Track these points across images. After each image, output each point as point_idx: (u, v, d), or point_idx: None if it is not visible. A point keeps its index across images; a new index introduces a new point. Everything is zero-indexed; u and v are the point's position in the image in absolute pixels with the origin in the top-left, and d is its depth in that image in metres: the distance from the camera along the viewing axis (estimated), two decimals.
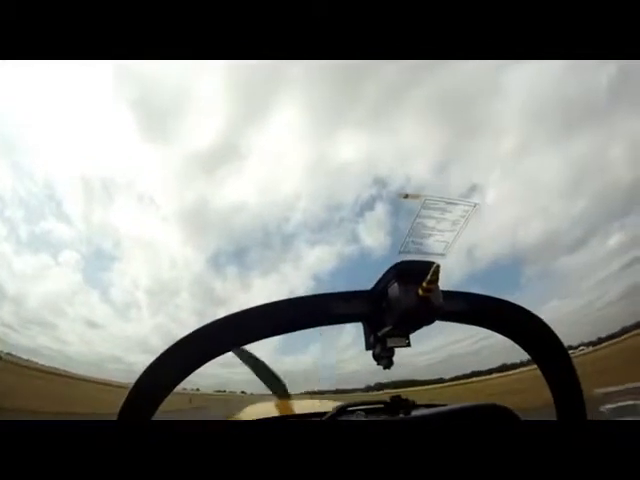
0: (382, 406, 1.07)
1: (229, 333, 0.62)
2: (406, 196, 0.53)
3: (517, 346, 0.80)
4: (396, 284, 0.58)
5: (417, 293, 0.56)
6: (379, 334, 0.64)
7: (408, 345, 0.65)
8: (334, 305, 0.62)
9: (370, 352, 0.68)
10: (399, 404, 1.04)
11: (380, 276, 0.61)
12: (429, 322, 0.63)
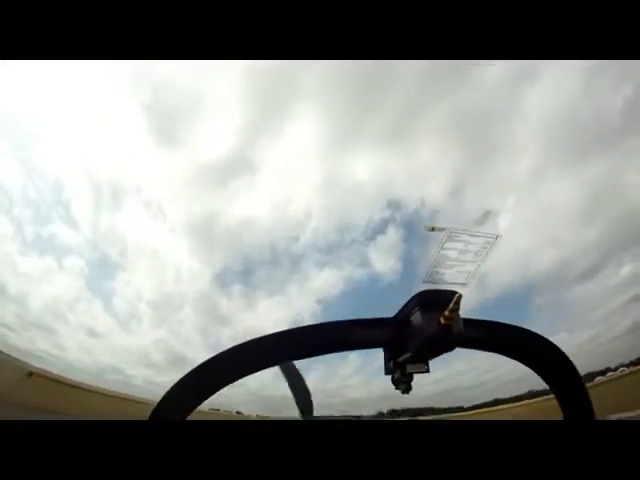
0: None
1: (255, 356, 0.64)
2: (432, 229, 0.55)
3: (535, 375, 0.81)
4: (419, 312, 0.60)
5: (439, 321, 0.58)
6: (399, 360, 0.66)
7: (427, 371, 0.67)
8: (359, 331, 0.64)
9: (377, 378, 0.70)
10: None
11: (403, 304, 0.63)
12: (450, 349, 0.65)
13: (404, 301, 0.64)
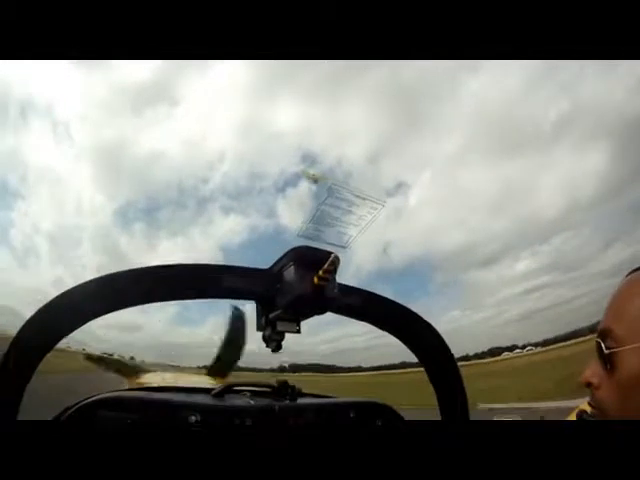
0: (269, 390, 1.07)
1: (119, 291, 0.59)
2: (312, 176, 0.51)
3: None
4: (293, 267, 0.57)
5: (312, 280, 0.56)
6: (270, 316, 0.63)
7: (298, 332, 0.65)
8: (229, 278, 0.61)
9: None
10: (286, 390, 1.05)
11: (279, 257, 0.60)
12: (321, 312, 0.63)
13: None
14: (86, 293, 0.58)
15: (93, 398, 0.85)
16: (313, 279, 0.56)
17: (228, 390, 1.03)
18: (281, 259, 0.60)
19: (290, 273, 0.58)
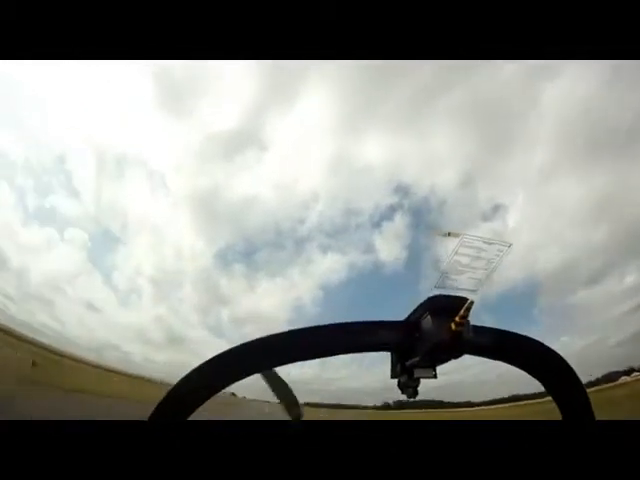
0: None
1: (266, 353, 0.64)
2: (448, 234, 0.55)
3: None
4: (430, 317, 0.60)
5: (450, 327, 0.58)
6: (407, 364, 0.65)
7: (435, 377, 0.66)
8: (369, 334, 0.64)
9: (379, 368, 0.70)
10: None
11: (414, 308, 0.63)
12: (458, 356, 0.65)
13: (407, 292, 0.64)
14: (238, 354, 0.62)
15: None
16: (450, 326, 0.58)
17: None
18: (417, 310, 0.63)
19: (428, 322, 0.60)
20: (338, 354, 0.66)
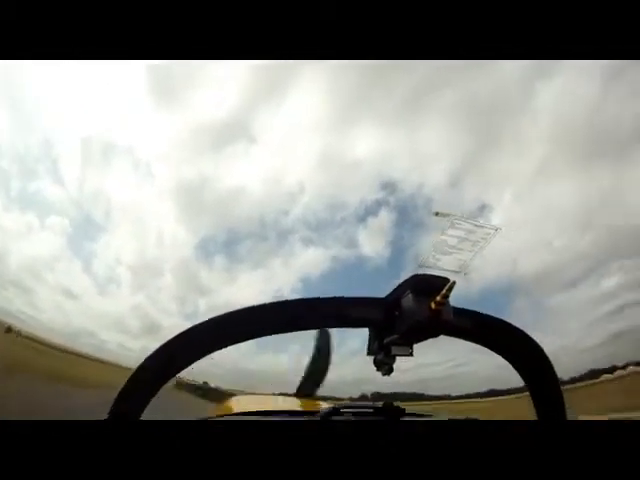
0: (372, 410, 1.09)
1: (240, 326, 0.63)
2: (437, 214, 0.55)
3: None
4: (411, 295, 0.60)
5: (430, 306, 0.58)
6: (385, 341, 0.66)
7: (411, 355, 0.67)
8: (350, 309, 0.64)
9: (352, 360, 0.70)
10: (390, 410, 1.06)
11: (395, 285, 0.63)
12: (436, 335, 0.66)
13: (390, 287, 0.64)
14: (203, 331, 0.62)
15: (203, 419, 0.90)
16: (430, 305, 0.58)
17: (332, 413, 1.04)
18: (399, 287, 0.63)
19: (408, 300, 0.61)
20: (318, 327, 0.67)
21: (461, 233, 0.58)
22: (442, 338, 0.75)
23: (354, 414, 1.06)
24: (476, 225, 0.58)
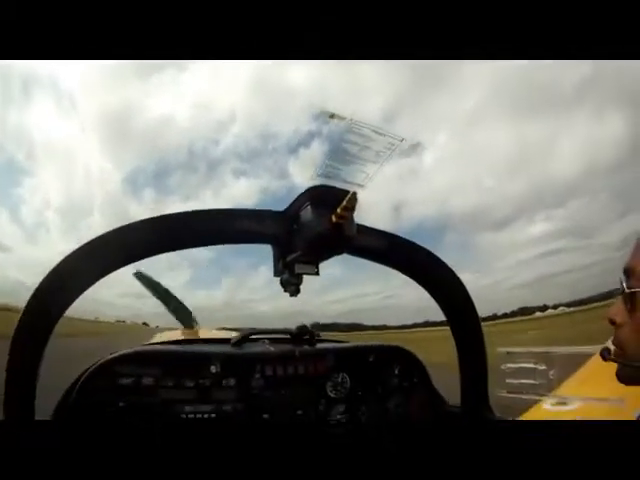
0: (288, 336, 1.11)
1: (129, 244, 0.58)
2: (332, 115, 0.50)
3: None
4: (309, 207, 0.58)
5: (330, 219, 0.56)
6: (288, 259, 0.64)
7: (317, 274, 0.67)
8: (243, 222, 0.60)
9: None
10: (304, 334, 1.08)
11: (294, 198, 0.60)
12: (339, 251, 0.65)
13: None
14: (95, 250, 0.58)
15: (112, 355, 0.87)
16: (331, 217, 0.56)
17: (247, 339, 1.07)
18: (297, 200, 0.60)
19: (307, 213, 0.58)
20: (213, 243, 0.63)
21: (362, 140, 0.55)
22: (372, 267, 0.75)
23: (269, 340, 1.08)
24: (378, 132, 0.55)
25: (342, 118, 0.51)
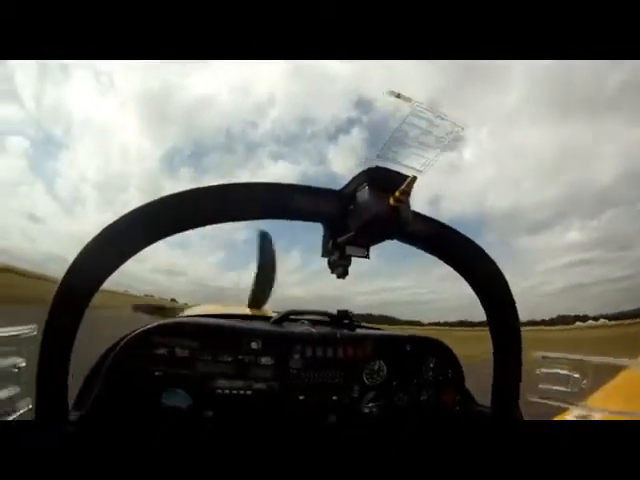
0: (328, 319, 1.11)
1: (182, 211, 0.58)
2: (398, 95, 0.50)
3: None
4: (367, 188, 0.56)
5: (388, 202, 0.55)
6: (339, 240, 0.63)
7: (367, 257, 0.65)
8: (299, 198, 0.60)
9: (315, 280, 0.68)
10: (344, 319, 1.08)
11: (351, 178, 0.59)
12: (392, 235, 0.63)
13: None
14: (148, 215, 0.57)
15: (150, 325, 0.87)
16: (389, 200, 0.55)
17: (287, 318, 1.07)
18: (354, 180, 0.59)
19: (364, 194, 0.57)
20: (268, 217, 0.63)
21: (423, 124, 0.54)
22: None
23: (309, 321, 1.09)
24: (441, 117, 0.54)
25: (407, 99, 0.51)
